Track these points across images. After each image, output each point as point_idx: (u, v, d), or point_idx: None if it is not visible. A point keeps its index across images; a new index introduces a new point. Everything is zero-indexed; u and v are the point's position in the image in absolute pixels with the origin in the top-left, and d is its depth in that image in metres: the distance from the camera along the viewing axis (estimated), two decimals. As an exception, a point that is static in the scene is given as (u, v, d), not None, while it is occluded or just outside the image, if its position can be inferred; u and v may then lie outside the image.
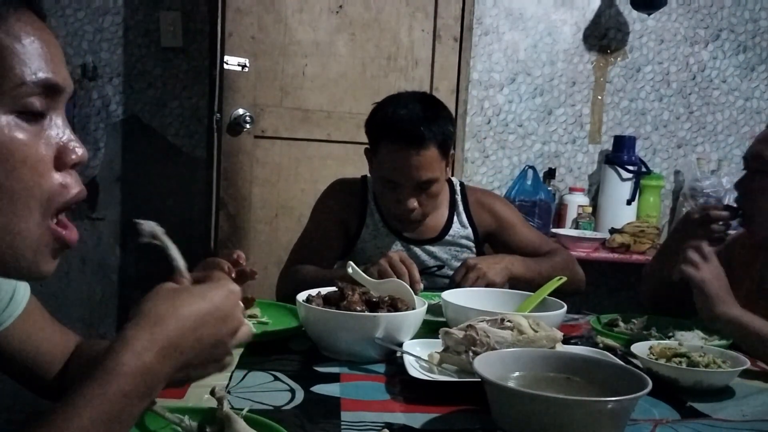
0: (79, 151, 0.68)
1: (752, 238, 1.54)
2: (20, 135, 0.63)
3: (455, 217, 1.82)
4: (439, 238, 1.80)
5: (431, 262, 1.79)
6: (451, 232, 1.81)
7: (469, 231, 1.82)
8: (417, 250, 1.78)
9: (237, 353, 1.20)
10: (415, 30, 2.60)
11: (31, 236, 0.65)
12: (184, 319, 0.65)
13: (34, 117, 0.64)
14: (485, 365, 0.94)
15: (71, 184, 0.68)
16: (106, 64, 2.77)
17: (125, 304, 2.85)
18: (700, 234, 1.46)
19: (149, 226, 0.72)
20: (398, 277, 1.44)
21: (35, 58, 0.64)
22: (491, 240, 1.86)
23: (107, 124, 2.80)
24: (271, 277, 2.31)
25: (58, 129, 0.67)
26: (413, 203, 1.62)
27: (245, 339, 0.72)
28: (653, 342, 1.26)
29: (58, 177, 0.66)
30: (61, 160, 0.67)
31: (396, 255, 1.51)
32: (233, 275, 0.82)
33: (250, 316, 1.39)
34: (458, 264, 1.78)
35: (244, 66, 2.38)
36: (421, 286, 1.52)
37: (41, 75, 0.64)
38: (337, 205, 1.82)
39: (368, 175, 1.85)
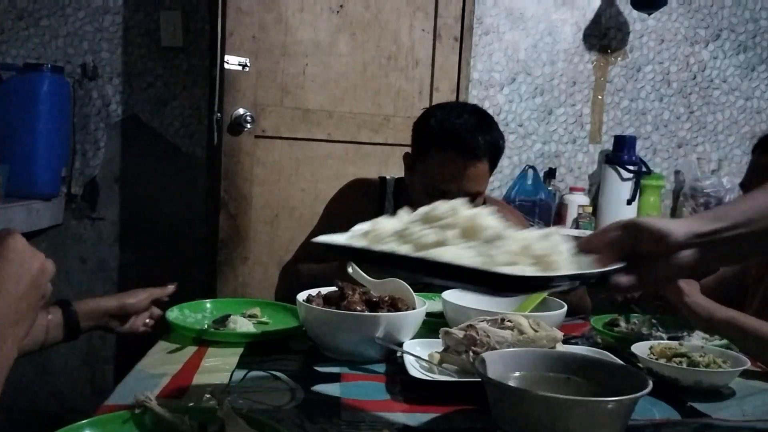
0: None
1: None
2: None
3: None
4: None
5: None
6: None
7: None
8: None
9: (237, 353, 1.21)
10: (415, 30, 2.60)
11: None
12: None
13: None
14: (485, 365, 0.94)
15: None
16: (106, 64, 2.77)
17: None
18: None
19: None
20: None
21: None
22: None
23: (107, 124, 2.80)
24: (271, 278, 2.32)
25: None
26: None
27: (52, 269, 0.78)
28: (653, 342, 1.26)
29: None
30: None
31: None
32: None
33: (250, 316, 1.39)
34: None
35: (244, 65, 2.38)
36: None
37: None
38: (351, 207, 1.76)
39: (387, 177, 1.81)
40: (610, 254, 0.86)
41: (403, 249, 0.80)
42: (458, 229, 0.82)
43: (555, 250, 0.80)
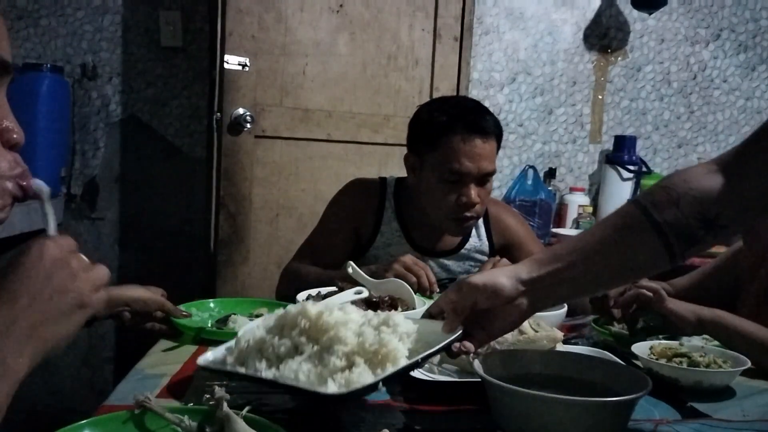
0: (16, 135, 0.72)
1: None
2: None
3: (473, 230, 1.78)
4: (456, 251, 1.77)
5: (442, 275, 1.75)
6: (468, 245, 1.77)
7: (485, 244, 1.79)
8: (430, 262, 1.72)
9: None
10: (415, 29, 2.60)
11: None
12: None
13: None
14: (485, 365, 0.94)
15: (21, 163, 0.73)
16: (105, 64, 2.77)
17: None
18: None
19: (37, 184, 0.75)
20: (416, 278, 1.45)
21: None
22: (504, 256, 1.78)
23: (107, 124, 2.79)
24: (270, 278, 2.31)
25: None
26: (477, 197, 1.60)
27: (103, 278, 0.72)
28: (653, 342, 1.26)
29: (8, 155, 0.71)
30: (2, 140, 0.71)
31: (409, 258, 1.51)
32: None
33: (257, 316, 1.39)
34: None
35: (244, 65, 2.38)
36: (437, 288, 1.52)
37: None
38: (351, 208, 1.77)
39: (387, 177, 1.82)
40: (455, 316, 0.94)
41: (263, 365, 0.87)
42: (305, 336, 0.88)
43: (389, 341, 0.85)
